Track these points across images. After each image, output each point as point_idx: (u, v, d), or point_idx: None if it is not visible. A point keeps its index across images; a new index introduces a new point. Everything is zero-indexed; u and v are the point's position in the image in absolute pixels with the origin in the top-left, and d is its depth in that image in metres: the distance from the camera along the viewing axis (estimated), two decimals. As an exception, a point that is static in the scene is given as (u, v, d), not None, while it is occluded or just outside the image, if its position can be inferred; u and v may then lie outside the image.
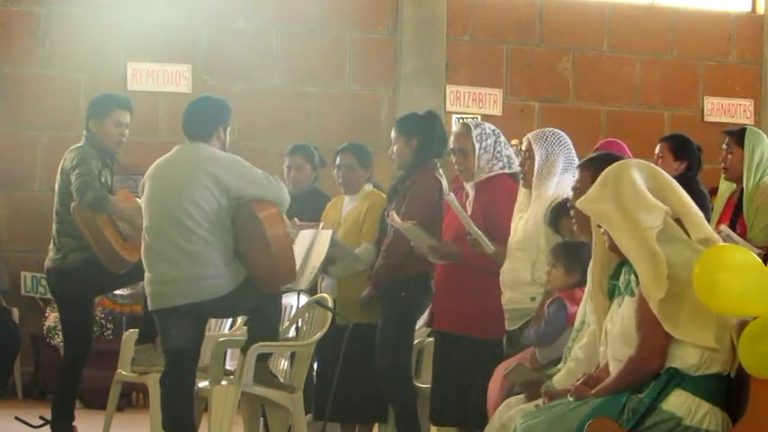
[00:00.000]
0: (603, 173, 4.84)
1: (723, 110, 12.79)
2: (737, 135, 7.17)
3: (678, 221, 4.73)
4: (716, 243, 4.68)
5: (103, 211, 7.04)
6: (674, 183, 4.85)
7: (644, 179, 4.74)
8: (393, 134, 7.29)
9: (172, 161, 6.63)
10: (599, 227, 4.81)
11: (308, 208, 7.78)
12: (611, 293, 4.84)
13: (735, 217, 7.05)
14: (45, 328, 10.28)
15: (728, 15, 12.91)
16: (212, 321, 7.55)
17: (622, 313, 4.75)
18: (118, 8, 11.23)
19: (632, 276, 4.70)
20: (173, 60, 11.38)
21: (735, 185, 7.21)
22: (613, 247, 4.74)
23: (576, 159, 6.22)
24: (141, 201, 6.71)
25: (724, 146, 7.22)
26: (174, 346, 6.52)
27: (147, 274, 6.57)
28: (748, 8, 13.06)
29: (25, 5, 11.20)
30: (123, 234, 7.10)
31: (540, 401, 5.05)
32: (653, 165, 4.96)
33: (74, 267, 7.22)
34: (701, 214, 4.77)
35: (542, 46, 12.39)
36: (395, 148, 7.24)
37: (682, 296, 4.55)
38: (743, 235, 6.88)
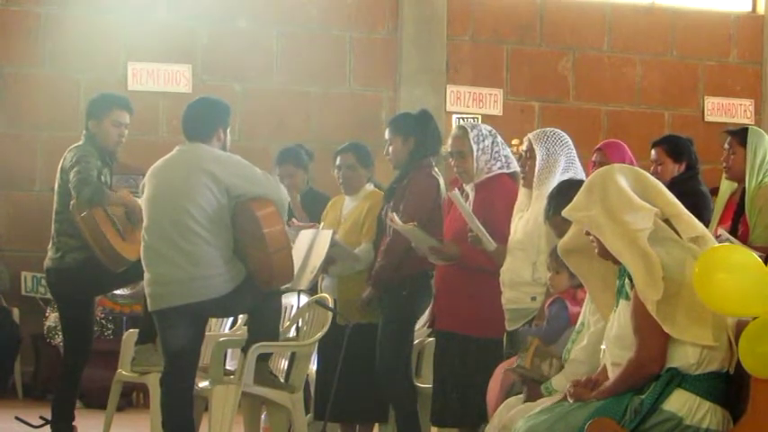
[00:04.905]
0: (588, 180, 4.84)
1: (723, 110, 12.78)
2: (740, 135, 7.15)
3: (667, 222, 4.72)
4: (708, 240, 4.69)
5: (101, 204, 7.01)
6: (660, 184, 4.84)
7: (629, 183, 4.73)
8: (388, 135, 7.27)
9: (172, 161, 6.61)
10: (587, 234, 4.79)
11: (308, 210, 7.78)
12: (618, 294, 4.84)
13: (736, 217, 7.03)
14: (45, 328, 10.26)
15: (728, 15, 12.90)
16: (212, 321, 7.54)
17: (618, 316, 4.75)
18: (118, 8, 11.22)
19: (626, 280, 4.69)
20: (173, 60, 11.37)
21: (735, 185, 7.19)
22: (604, 254, 4.72)
23: (577, 159, 6.22)
24: (141, 201, 6.70)
25: (726, 145, 7.19)
26: (173, 347, 6.50)
27: (146, 275, 6.56)
28: (748, 8, 13.05)
29: (25, 5, 11.18)
30: (122, 233, 7.09)
31: (542, 400, 5.06)
32: (637, 168, 4.94)
33: (72, 267, 7.21)
34: (690, 213, 4.76)
35: (542, 46, 12.39)
36: (391, 148, 7.23)
37: (677, 296, 4.56)
38: (745, 235, 6.86)
